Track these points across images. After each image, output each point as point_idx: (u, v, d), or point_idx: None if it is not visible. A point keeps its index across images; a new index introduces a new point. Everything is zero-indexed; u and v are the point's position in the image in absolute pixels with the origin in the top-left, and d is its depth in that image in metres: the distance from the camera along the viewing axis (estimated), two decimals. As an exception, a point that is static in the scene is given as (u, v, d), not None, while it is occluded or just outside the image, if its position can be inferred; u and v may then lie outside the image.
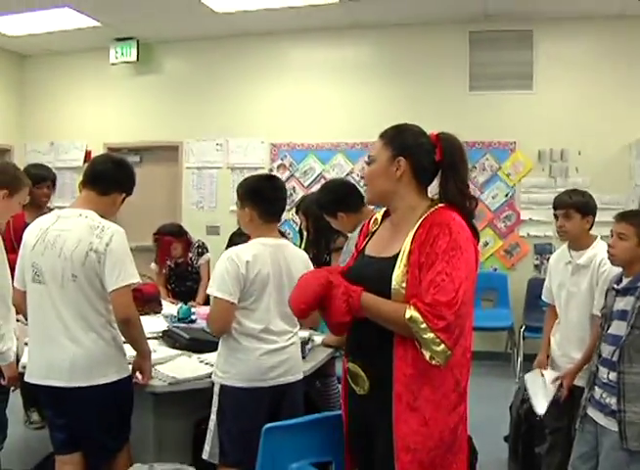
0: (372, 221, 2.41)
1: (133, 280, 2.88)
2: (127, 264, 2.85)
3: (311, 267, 3.17)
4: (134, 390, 3.00)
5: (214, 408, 3.00)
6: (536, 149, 7.16)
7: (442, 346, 1.99)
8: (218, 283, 2.93)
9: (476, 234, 2.19)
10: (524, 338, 6.57)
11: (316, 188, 7.58)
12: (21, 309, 3.12)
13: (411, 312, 1.99)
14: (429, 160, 2.21)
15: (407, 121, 2.33)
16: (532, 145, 7.16)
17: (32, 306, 2.93)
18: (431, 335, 1.98)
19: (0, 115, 8.61)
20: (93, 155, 8.66)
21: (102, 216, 2.95)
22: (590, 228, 3.51)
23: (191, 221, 7.52)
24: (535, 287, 6.88)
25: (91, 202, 2.99)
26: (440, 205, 2.17)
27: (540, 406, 3.45)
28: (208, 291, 3.00)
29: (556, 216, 3.57)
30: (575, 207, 3.47)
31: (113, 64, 8.29)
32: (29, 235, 2.97)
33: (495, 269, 7.30)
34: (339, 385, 4.07)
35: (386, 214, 2.36)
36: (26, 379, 2.96)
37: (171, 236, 5.36)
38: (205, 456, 3.02)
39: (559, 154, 7.10)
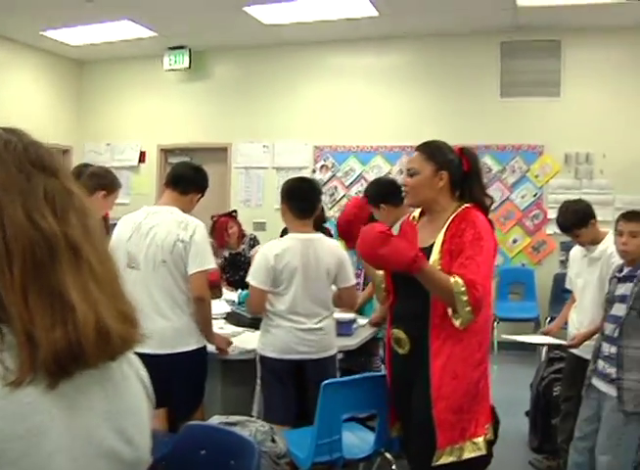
0: (411, 218, 2.95)
1: (210, 266, 3.45)
2: (206, 253, 3.43)
3: (343, 257, 3.58)
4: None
5: (258, 374, 3.55)
6: (563, 152, 7.54)
7: (469, 308, 2.49)
8: (252, 273, 3.49)
9: (492, 225, 2.73)
10: (548, 329, 6.99)
11: (356, 188, 8.09)
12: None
13: (456, 279, 2.49)
14: (460, 171, 2.76)
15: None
16: (559, 148, 7.54)
17: (127, 288, 3.49)
18: (465, 298, 2.47)
19: (61, 117, 9.24)
20: (147, 155, 9.27)
21: (183, 212, 3.51)
22: (596, 223, 3.93)
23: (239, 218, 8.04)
24: (561, 281, 7.17)
25: (174, 200, 3.57)
26: (466, 205, 2.72)
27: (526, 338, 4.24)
28: (247, 279, 3.54)
29: None
30: (576, 226, 3.90)
31: (166, 70, 8.86)
32: (124, 228, 3.52)
33: (523, 265, 7.72)
34: (381, 364, 4.58)
35: (422, 213, 2.89)
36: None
37: (227, 217, 5.96)
38: (254, 414, 3.50)
39: (584, 157, 7.47)
